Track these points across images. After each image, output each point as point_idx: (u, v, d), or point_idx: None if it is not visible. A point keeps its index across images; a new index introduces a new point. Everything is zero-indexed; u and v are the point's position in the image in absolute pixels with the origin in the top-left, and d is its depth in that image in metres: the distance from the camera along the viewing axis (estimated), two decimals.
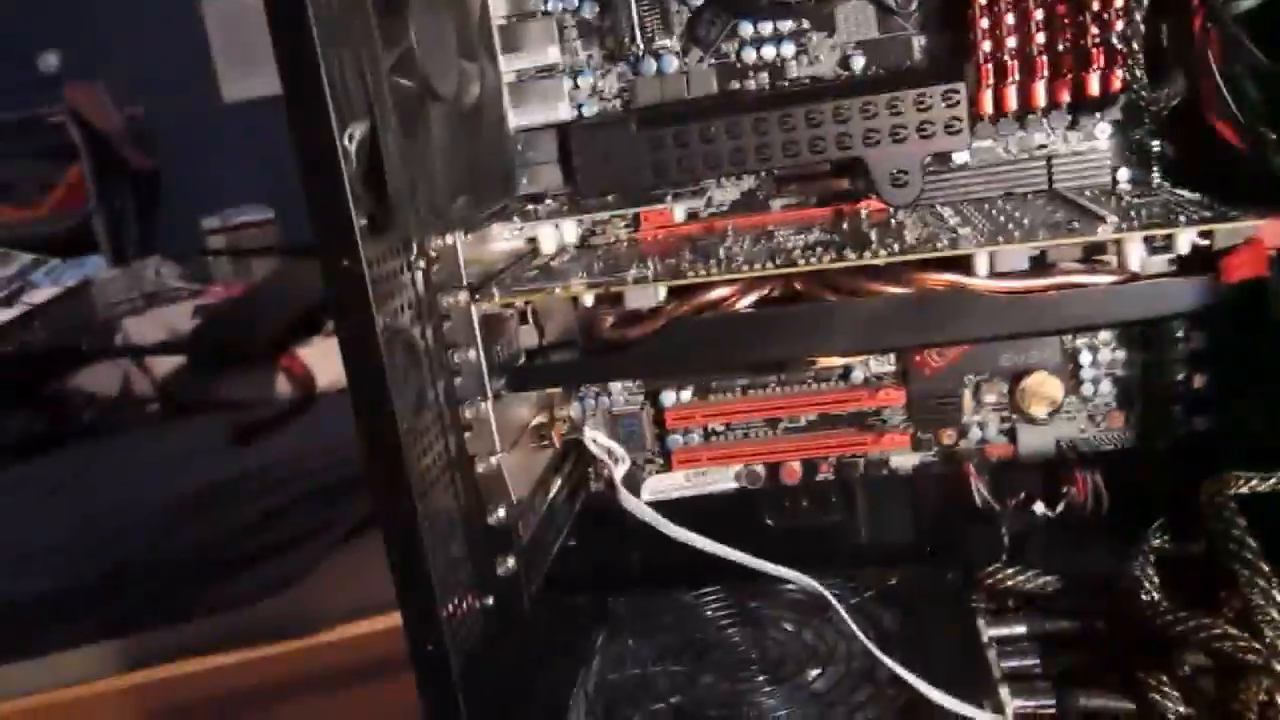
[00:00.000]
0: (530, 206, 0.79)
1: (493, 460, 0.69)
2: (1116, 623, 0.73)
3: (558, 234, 0.78)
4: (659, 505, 0.80)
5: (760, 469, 0.86)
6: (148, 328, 2.26)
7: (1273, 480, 0.68)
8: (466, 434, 0.68)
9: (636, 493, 0.86)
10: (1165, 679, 0.64)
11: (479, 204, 0.72)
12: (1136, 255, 0.65)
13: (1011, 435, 0.84)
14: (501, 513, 0.70)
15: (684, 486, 0.87)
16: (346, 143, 0.54)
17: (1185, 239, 0.65)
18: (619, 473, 0.80)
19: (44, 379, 2.08)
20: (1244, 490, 0.68)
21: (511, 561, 0.69)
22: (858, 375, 0.83)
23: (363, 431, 0.58)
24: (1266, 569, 0.60)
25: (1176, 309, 0.67)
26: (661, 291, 0.69)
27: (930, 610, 0.80)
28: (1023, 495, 0.84)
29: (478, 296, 0.67)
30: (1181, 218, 0.64)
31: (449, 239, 0.66)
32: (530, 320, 0.77)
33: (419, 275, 0.64)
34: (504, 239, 0.76)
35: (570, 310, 0.75)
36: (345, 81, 0.55)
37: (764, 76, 0.79)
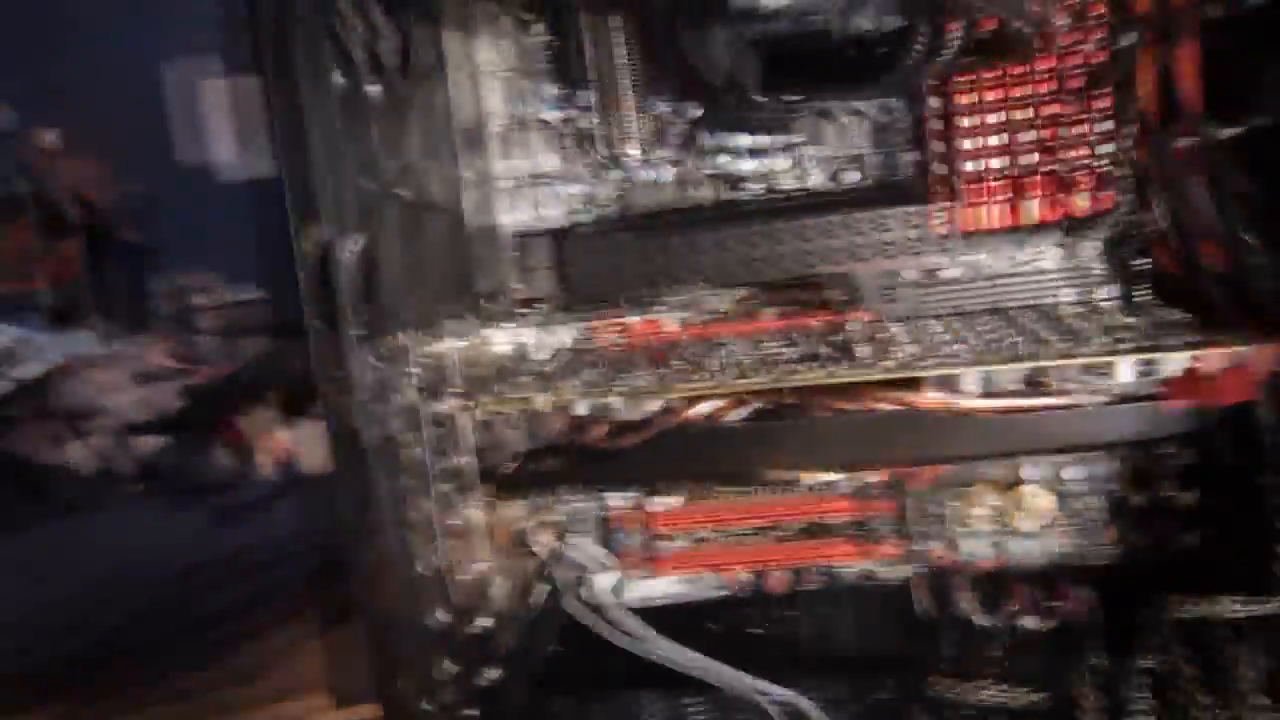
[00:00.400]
0: (523, 311, 0.79)
1: (477, 568, 0.68)
2: None
3: (551, 339, 0.78)
4: (645, 611, 0.78)
5: (748, 576, 0.85)
6: (133, 404, 2.24)
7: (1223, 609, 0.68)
8: (452, 541, 0.67)
9: (622, 598, 0.85)
10: None
11: (472, 310, 0.72)
12: (1124, 377, 0.65)
13: (1001, 547, 0.83)
14: (485, 622, 0.69)
15: (670, 593, 0.86)
16: (345, 255, 0.55)
17: (1174, 362, 0.65)
18: (603, 580, 0.79)
19: (26, 455, 2.05)
20: (1185, 615, 0.68)
21: (495, 672, 0.68)
22: (848, 485, 0.82)
23: (348, 536, 0.58)
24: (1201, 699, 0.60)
25: (1163, 431, 0.67)
26: (651, 403, 0.69)
27: None
28: (1013, 607, 0.83)
29: (470, 404, 0.67)
30: (1169, 340, 0.64)
31: (441, 346, 0.66)
32: (521, 426, 0.77)
33: (411, 382, 0.64)
34: (497, 344, 0.77)
35: (562, 416, 0.75)
36: (344, 194, 0.55)
37: (758, 187, 0.80)
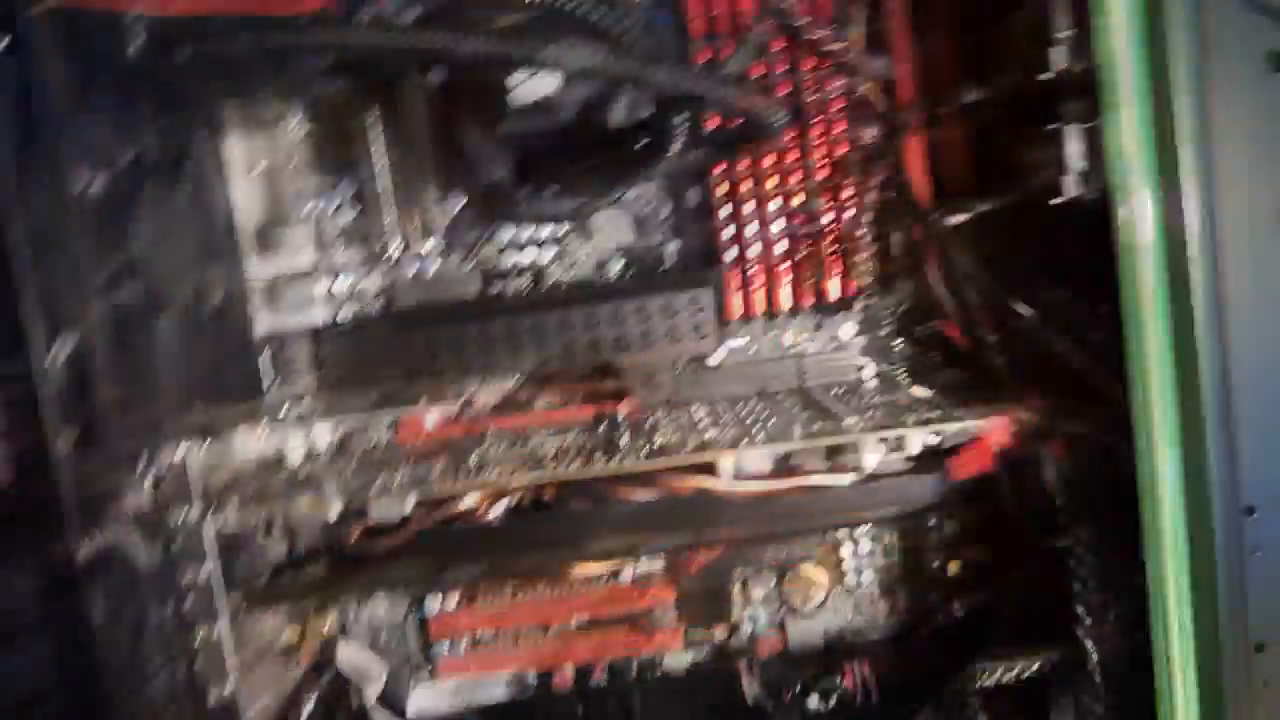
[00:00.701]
0: (282, 414, 0.76)
1: (227, 687, 0.64)
2: None
3: (308, 440, 0.75)
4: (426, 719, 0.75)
5: (531, 676, 0.83)
6: None
7: (1016, 669, 0.70)
8: (197, 659, 0.63)
9: (401, 706, 0.81)
10: None
11: (220, 411, 0.69)
12: (871, 456, 0.67)
13: (782, 628, 0.84)
14: None
15: (453, 698, 0.83)
16: (50, 360, 0.52)
17: (916, 439, 0.67)
18: (372, 692, 0.75)
19: None
20: (988, 682, 0.70)
21: None
22: (626, 575, 0.82)
23: (60, 661, 0.53)
24: None
25: (913, 507, 0.69)
26: (409, 503, 0.67)
27: None
28: (797, 688, 0.83)
29: (212, 511, 0.64)
30: (909, 419, 0.66)
31: (179, 452, 0.62)
32: (278, 533, 0.73)
33: (146, 489, 0.60)
34: (251, 446, 0.73)
35: (320, 520, 0.72)
36: (53, 290, 0.52)
37: (525, 280, 0.80)
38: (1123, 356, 0.54)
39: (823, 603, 0.83)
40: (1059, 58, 0.60)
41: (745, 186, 0.77)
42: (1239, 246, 0.52)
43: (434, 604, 0.81)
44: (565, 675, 0.83)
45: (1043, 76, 0.60)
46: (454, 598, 0.81)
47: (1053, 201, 0.62)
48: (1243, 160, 0.52)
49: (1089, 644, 0.66)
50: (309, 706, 0.75)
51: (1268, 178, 0.52)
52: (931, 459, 0.69)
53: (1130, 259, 0.53)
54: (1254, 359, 0.53)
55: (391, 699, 0.80)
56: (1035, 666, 0.70)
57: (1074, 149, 0.61)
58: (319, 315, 0.77)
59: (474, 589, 0.81)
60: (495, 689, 0.83)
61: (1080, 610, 0.66)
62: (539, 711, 0.84)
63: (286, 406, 0.73)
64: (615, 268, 0.80)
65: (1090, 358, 0.62)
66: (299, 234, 0.76)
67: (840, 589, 0.83)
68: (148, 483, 0.60)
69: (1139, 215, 0.53)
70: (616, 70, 0.59)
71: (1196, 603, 0.54)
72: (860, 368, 0.80)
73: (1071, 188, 0.61)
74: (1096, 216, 0.55)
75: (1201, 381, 0.53)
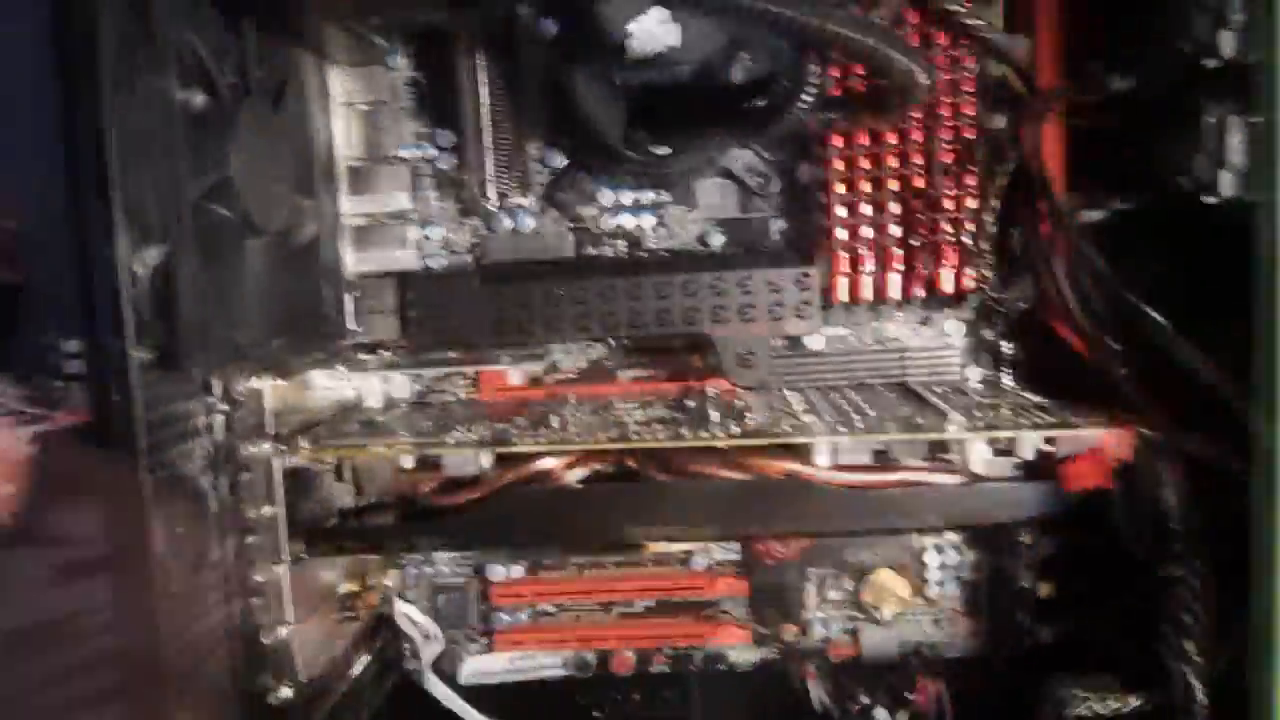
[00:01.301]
0: (362, 356, 0.74)
1: (282, 632, 0.62)
2: None
3: (386, 388, 0.72)
4: (478, 690, 0.73)
5: (590, 656, 0.80)
6: None
7: (1114, 705, 0.65)
8: (254, 600, 0.61)
9: (454, 674, 0.79)
10: None
11: (300, 349, 0.67)
12: (979, 457, 0.63)
13: (855, 635, 0.80)
14: (286, 693, 0.62)
15: (507, 670, 0.80)
16: (137, 266, 0.49)
17: (1029, 444, 0.63)
18: (430, 653, 0.73)
19: None
20: (1084, 713, 0.65)
21: None
22: (699, 562, 0.78)
23: (118, 586, 0.51)
24: None
25: (1018, 514, 0.65)
26: (486, 459, 0.64)
27: None
28: (865, 700, 0.79)
29: (283, 448, 0.62)
30: (1024, 421, 0.62)
31: (257, 383, 0.60)
32: (349, 479, 0.71)
33: (218, 420, 0.58)
34: (328, 389, 0.71)
35: (394, 471, 0.69)
36: (143, 200, 0.50)
37: (622, 245, 0.77)
38: (1250, 376, 0.49)
39: (901, 613, 0.79)
40: (1227, 44, 0.55)
41: (863, 164, 0.72)
42: None
43: (498, 570, 0.78)
44: (626, 659, 0.80)
45: (1209, 63, 0.55)
46: (519, 567, 0.78)
47: (1205, 200, 0.57)
48: None
49: (1193, 682, 0.61)
50: (361, 663, 0.73)
51: None
52: (1040, 468, 0.65)
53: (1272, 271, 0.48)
54: None
55: (445, 665, 0.78)
56: (1132, 704, 0.65)
57: (1234, 143, 0.56)
58: (409, 261, 0.75)
59: (540, 559, 0.78)
60: (552, 665, 0.80)
61: (1186, 646, 0.61)
62: (595, 693, 0.81)
63: (368, 353, 0.71)
64: (717, 241, 0.76)
65: (1221, 375, 0.57)
66: (396, 176, 0.74)
67: (921, 600, 0.79)
68: (220, 413, 0.58)
69: None
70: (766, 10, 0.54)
71: None
72: (966, 366, 0.75)
73: (1228, 186, 0.56)
74: (1241, 222, 0.50)
75: None
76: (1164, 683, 0.62)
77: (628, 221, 0.76)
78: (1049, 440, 0.63)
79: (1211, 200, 0.57)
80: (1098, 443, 0.63)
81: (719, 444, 0.61)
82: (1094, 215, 0.68)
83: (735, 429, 0.62)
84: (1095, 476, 0.63)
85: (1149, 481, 0.63)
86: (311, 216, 0.68)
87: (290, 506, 0.63)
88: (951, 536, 0.78)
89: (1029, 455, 0.63)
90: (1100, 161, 0.70)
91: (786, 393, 0.72)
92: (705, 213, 0.76)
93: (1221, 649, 0.60)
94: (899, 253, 0.72)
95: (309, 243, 0.69)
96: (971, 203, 0.71)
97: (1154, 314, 0.63)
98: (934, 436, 0.62)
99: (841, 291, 0.73)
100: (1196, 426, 0.61)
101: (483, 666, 0.79)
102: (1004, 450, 0.65)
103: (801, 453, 0.63)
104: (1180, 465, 0.62)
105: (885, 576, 0.78)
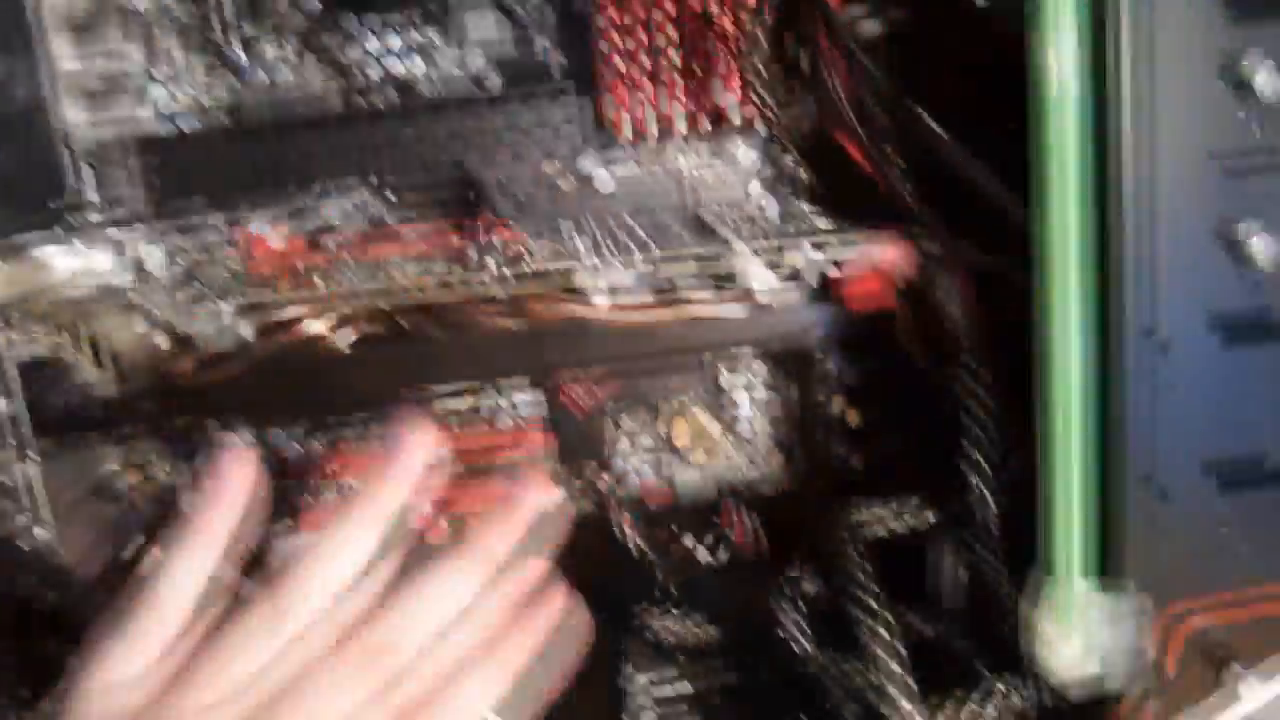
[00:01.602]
0: (99, 225, 0.67)
1: (39, 533, 0.58)
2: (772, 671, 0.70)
3: (136, 261, 0.66)
4: None
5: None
6: None
7: (911, 522, 0.66)
8: (4, 502, 0.56)
9: None
10: None
11: (23, 221, 0.60)
12: (763, 282, 0.61)
13: (670, 480, 0.79)
14: (57, 597, 0.58)
15: None
16: None
17: (812, 267, 0.62)
18: None
19: None
20: (881, 532, 0.66)
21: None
22: (505, 421, 0.76)
23: None
24: (885, 614, 0.57)
25: (806, 339, 0.64)
26: (246, 328, 0.59)
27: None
28: (683, 540, 0.79)
29: (13, 336, 0.56)
30: (803, 238, 0.60)
31: None
32: (108, 365, 0.65)
33: None
34: (71, 269, 0.65)
35: (152, 352, 0.64)
36: None
37: (393, 93, 0.71)
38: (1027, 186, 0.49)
39: (710, 451, 0.78)
40: None
41: None
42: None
43: (294, 447, 0.74)
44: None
45: None
46: (316, 443, 0.74)
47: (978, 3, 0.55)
48: None
49: (984, 491, 0.62)
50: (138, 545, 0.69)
51: None
52: (830, 295, 0.64)
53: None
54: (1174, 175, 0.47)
55: None
56: (930, 520, 0.66)
57: None
58: (151, 124, 0.68)
59: (336, 430, 0.74)
60: None
61: (976, 456, 0.62)
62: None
63: (104, 220, 0.65)
64: (495, 83, 0.71)
65: (999, 185, 0.57)
66: (123, 25, 0.67)
67: (732, 437, 0.78)
68: None
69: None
70: None
71: (1089, 437, 0.50)
72: (758, 193, 0.73)
73: None
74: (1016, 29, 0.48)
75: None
76: (961, 495, 0.64)
77: (396, 66, 0.71)
78: (835, 264, 0.62)
79: (981, 3, 0.56)
80: (881, 261, 0.62)
81: (494, 292, 0.58)
82: (873, 27, 0.66)
83: (509, 274, 0.58)
84: (881, 296, 0.63)
85: (932, 296, 0.63)
86: (20, 76, 0.61)
87: (38, 399, 0.58)
88: (760, 373, 0.77)
89: (813, 280, 0.62)
90: None
91: (570, 237, 0.69)
92: (479, 51, 0.71)
93: (1011, 458, 0.61)
94: (679, 80, 0.69)
95: (23, 107, 0.61)
96: (748, 21, 0.67)
97: (932, 123, 0.62)
98: (695, 254, 0.60)
99: (625, 126, 0.70)
100: (978, 239, 0.61)
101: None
102: (792, 276, 0.63)
103: (581, 295, 0.60)
104: (961, 278, 0.61)
105: (695, 418, 0.77)
